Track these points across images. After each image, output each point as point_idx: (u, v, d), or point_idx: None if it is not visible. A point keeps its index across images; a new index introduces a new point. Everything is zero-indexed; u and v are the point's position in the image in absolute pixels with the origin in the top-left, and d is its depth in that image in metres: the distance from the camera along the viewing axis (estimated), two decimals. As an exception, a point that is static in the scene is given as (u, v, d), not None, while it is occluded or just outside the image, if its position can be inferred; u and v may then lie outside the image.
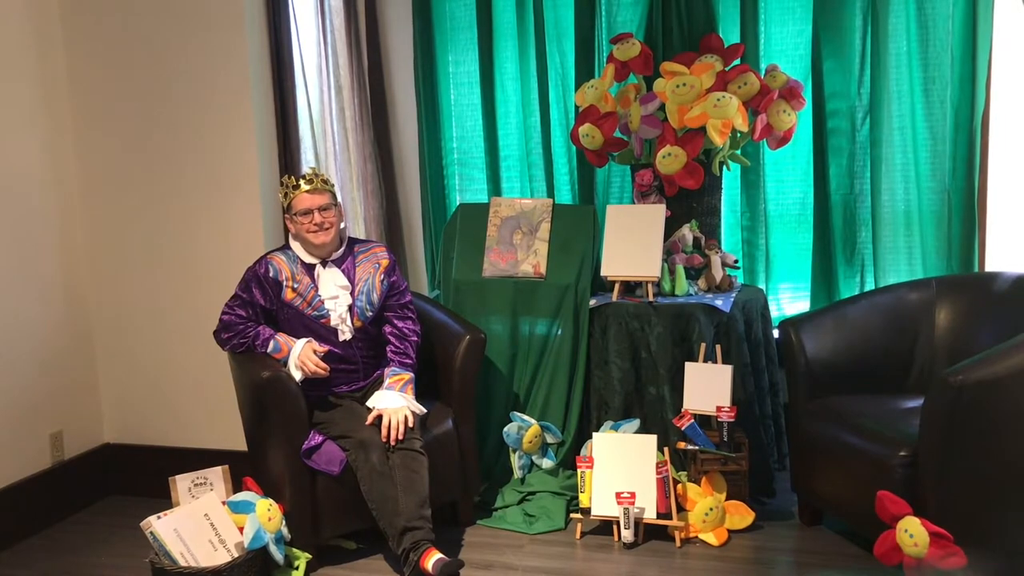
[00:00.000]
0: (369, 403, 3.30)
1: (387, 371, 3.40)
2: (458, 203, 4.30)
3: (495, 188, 4.29)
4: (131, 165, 3.86)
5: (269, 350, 3.32)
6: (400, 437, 3.18)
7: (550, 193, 4.21)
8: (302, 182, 3.36)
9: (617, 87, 3.91)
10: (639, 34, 3.99)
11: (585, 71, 4.09)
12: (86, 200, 3.92)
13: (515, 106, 4.25)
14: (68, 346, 3.88)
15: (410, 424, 3.23)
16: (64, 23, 3.82)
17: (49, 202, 3.79)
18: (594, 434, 3.54)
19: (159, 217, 3.86)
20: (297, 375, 3.25)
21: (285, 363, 3.28)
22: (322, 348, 3.32)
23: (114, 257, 3.94)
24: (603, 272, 3.77)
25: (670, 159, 3.68)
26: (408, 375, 3.38)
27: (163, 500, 3.30)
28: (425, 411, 3.35)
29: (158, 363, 3.95)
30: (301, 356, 3.28)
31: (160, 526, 3.00)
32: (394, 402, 3.27)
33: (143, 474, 3.87)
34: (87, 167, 3.91)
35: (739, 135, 3.76)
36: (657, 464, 3.39)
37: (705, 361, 3.53)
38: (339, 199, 3.38)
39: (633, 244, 3.73)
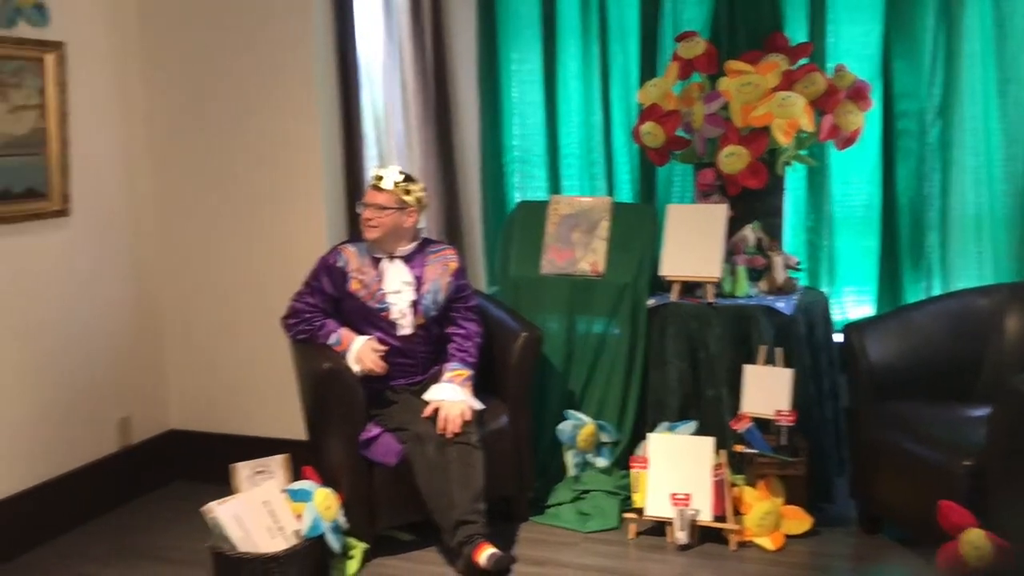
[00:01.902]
0: (426, 396, 3.34)
1: (447, 366, 3.43)
2: (518, 200, 4.31)
3: (555, 186, 4.30)
4: (200, 161, 3.96)
5: (330, 342, 3.37)
6: (456, 431, 3.21)
7: (610, 191, 4.20)
8: (373, 179, 3.43)
9: (680, 85, 3.88)
10: (704, 32, 3.95)
11: (648, 69, 4.07)
12: (157, 193, 4.03)
13: (577, 104, 4.25)
14: (138, 334, 3.99)
15: (467, 418, 3.26)
16: (141, 24, 3.92)
17: (123, 195, 3.90)
18: (649, 434, 3.53)
19: (226, 209, 3.95)
20: (356, 368, 3.31)
21: (345, 356, 3.33)
22: (382, 347, 3.37)
23: (183, 248, 4.04)
24: (662, 272, 3.75)
25: (733, 158, 3.64)
26: (468, 371, 3.41)
27: (225, 486, 3.37)
28: (483, 407, 3.37)
29: (223, 352, 4.04)
30: (361, 352, 3.33)
31: (221, 512, 3.07)
32: (452, 395, 3.30)
33: (206, 460, 3.96)
34: (159, 163, 4.01)
35: (804, 135, 3.70)
36: (713, 466, 3.36)
37: (765, 364, 3.49)
38: (411, 203, 3.42)
39: (694, 244, 3.70)
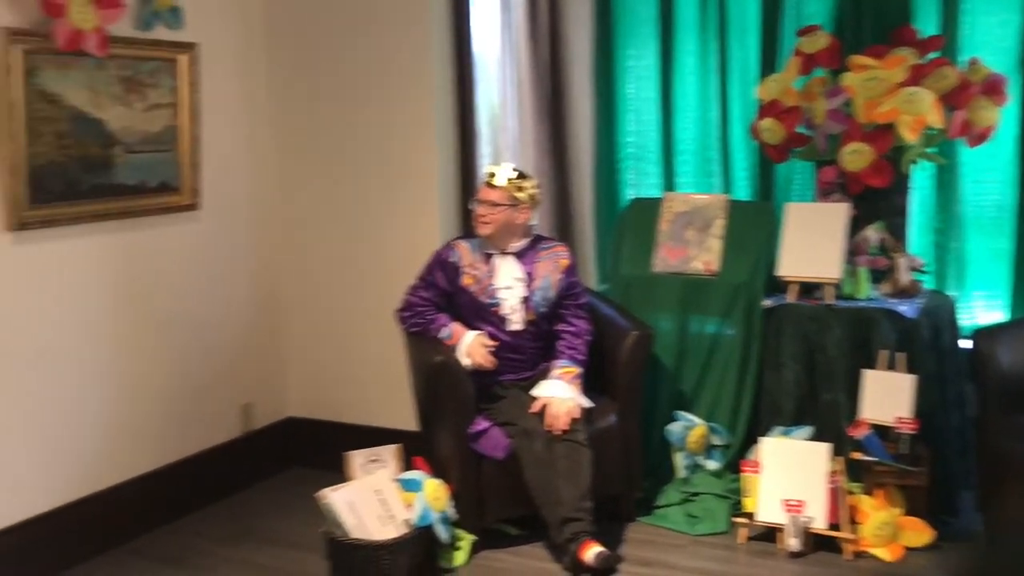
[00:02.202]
0: (535, 392, 3.35)
1: (556, 363, 3.44)
2: (630, 197, 4.28)
3: (669, 183, 4.25)
4: (320, 158, 4.08)
5: (442, 335, 3.43)
6: (564, 428, 3.21)
7: (726, 189, 4.12)
8: (487, 175, 3.48)
9: (802, 81, 3.77)
10: (827, 26, 3.83)
11: (768, 64, 3.97)
12: (280, 189, 4.17)
13: (694, 100, 4.18)
14: (261, 325, 4.15)
15: (575, 416, 3.26)
16: (267, 26, 4.07)
17: (249, 191, 4.05)
18: (762, 438, 3.45)
19: (345, 203, 4.06)
20: (465, 362, 3.35)
21: (455, 350, 3.38)
22: (492, 343, 3.40)
23: (304, 243, 4.17)
24: (779, 272, 3.66)
25: (856, 156, 3.52)
26: (577, 369, 3.41)
27: (339, 473, 3.46)
28: (591, 405, 3.37)
29: (340, 343, 4.16)
30: (471, 346, 3.37)
31: (335, 498, 3.16)
32: (561, 392, 3.30)
33: (322, 447, 4.08)
34: (282, 160, 4.15)
35: (933, 132, 3.54)
36: (829, 473, 3.27)
37: (886, 369, 3.36)
38: (524, 200, 3.44)
39: (813, 244, 3.60)
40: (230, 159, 3.94)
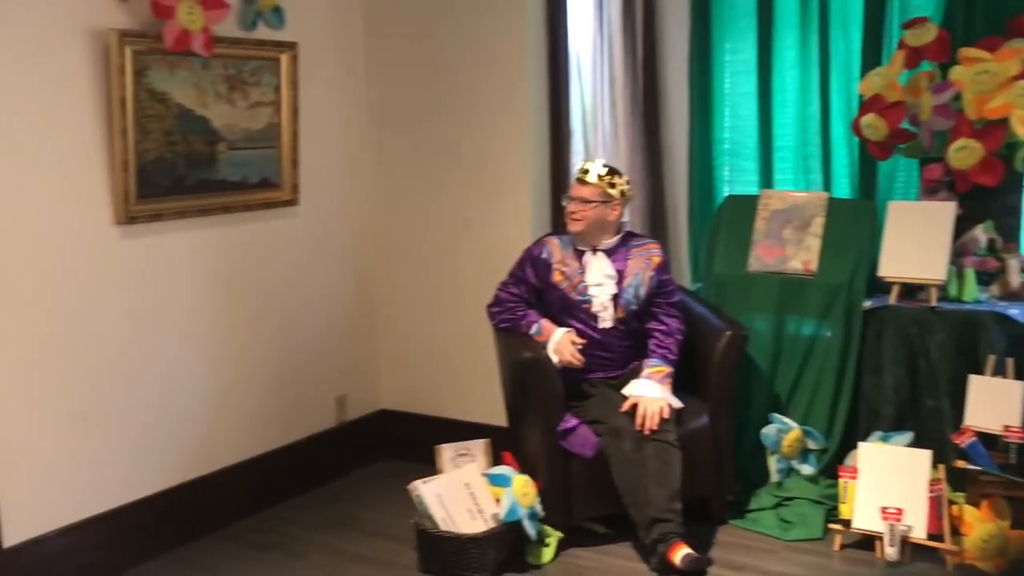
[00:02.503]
0: (625, 391, 3.33)
1: (647, 362, 3.40)
2: (726, 194, 4.21)
3: (767, 180, 4.15)
4: (414, 155, 4.13)
5: (532, 332, 3.43)
6: (654, 428, 3.18)
7: (826, 187, 4.01)
8: (579, 172, 3.47)
9: (907, 75, 3.64)
10: (936, 18, 3.69)
11: (872, 58, 3.85)
12: (375, 185, 4.24)
13: (793, 95, 4.08)
14: (355, 319, 4.23)
15: (666, 416, 3.22)
16: (366, 25, 4.14)
17: (345, 187, 4.14)
18: (861, 443, 3.35)
19: (438, 199, 4.10)
20: (554, 359, 3.34)
21: (544, 347, 3.38)
22: (580, 340, 3.39)
23: (397, 239, 4.24)
24: (881, 272, 3.55)
25: (964, 153, 3.39)
26: (668, 368, 3.37)
27: (429, 466, 3.51)
28: (682, 405, 3.32)
29: (432, 337, 4.21)
30: (559, 344, 3.37)
31: (425, 491, 3.20)
32: (651, 392, 3.27)
33: (412, 440, 4.14)
34: (377, 157, 4.22)
35: (1050, 127, 3.38)
36: (930, 481, 3.15)
37: (994, 375, 3.22)
38: (616, 196, 3.42)
39: (917, 244, 3.48)
40: (328, 156, 4.03)
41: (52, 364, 3.08)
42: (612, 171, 3.44)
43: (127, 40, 3.14)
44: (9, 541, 2.99)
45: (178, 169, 3.39)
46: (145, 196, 3.28)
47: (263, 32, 3.63)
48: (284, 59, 3.69)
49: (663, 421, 3.20)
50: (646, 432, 3.18)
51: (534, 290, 3.52)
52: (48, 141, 3.04)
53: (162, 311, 3.41)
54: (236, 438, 3.70)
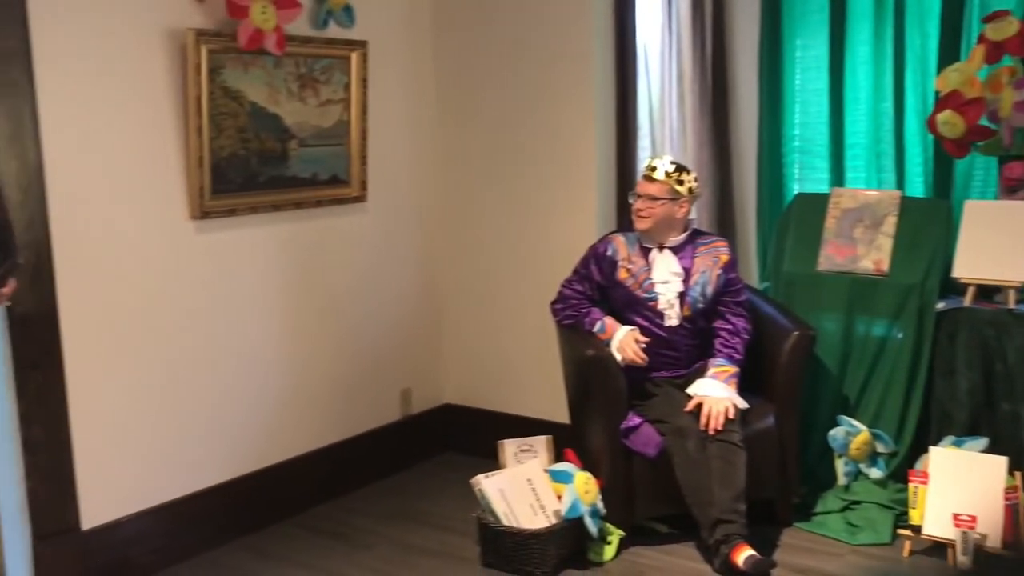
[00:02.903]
0: (690, 390, 3.30)
1: (712, 361, 3.38)
2: (795, 192, 4.14)
3: (838, 178, 4.07)
4: (481, 152, 4.16)
5: (595, 329, 3.43)
6: (719, 427, 3.15)
7: (899, 185, 3.92)
8: (646, 168, 3.45)
9: (987, 70, 3.54)
10: (1018, 11, 3.57)
11: (949, 54, 3.74)
12: (441, 183, 4.28)
13: (866, 91, 4.00)
14: (420, 314, 4.28)
15: (731, 416, 3.19)
16: (434, 23, 4.18)
17: (412, 184, 4.18)
18: (932, 448, 3.27)
19: (504, 196, 4.12)
20: (617, 357, 3.34)
21: (608, 344, 3.37)
22: (644, 339, 3.37)
23: (463, 235, 4.27)
24: (956, 273, 3.46)
25: (1046, 151, 3.28)
26: (734, 368, 3.34)
27: (492, 460, 3.54)
28: (747, 406, 3.29)
29: (496, 334, 4.23)
30: (623, 341, 3.35)
31: (488, 485, 3.23)
32: (716, 392, 3.25)
33: (475, 435, 4.17)
34: (444, 154, 4.26)
35: None
36: (1006, 489, 3.06)
37: (1074, 380, 3.12)
38: (684, 193, 3.40)
39: (994, 244, 3.39)
40: (395, 153, 4.08)
41: (130, 355, 3.19)
42: (680, 168, 3.42)
43: (203, 39, 3.22)
44: (87, 524, 3.10)
45: (251, 166, 3.47)
46: (219, 192, 3.37)
47: (334, 31, 3.69)
48: (354, 57, 3.74)
49: (728, 421, 3.18)
50: (710, 432, 3.15)
51: (599, 287, 3.51)
52: (129, 138, 3.14)
53: (235, 304, 3.50)
54: (304, 429, 3.77)
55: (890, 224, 3.67)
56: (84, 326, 3.05)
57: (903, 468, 3.44)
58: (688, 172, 3.43)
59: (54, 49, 2.91)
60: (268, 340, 3.62)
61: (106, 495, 3.14)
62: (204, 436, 3.42)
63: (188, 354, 3.36)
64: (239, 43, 3.27)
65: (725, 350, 3.39)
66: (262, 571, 3.28)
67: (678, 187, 3.38)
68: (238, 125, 3.40)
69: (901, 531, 3.24)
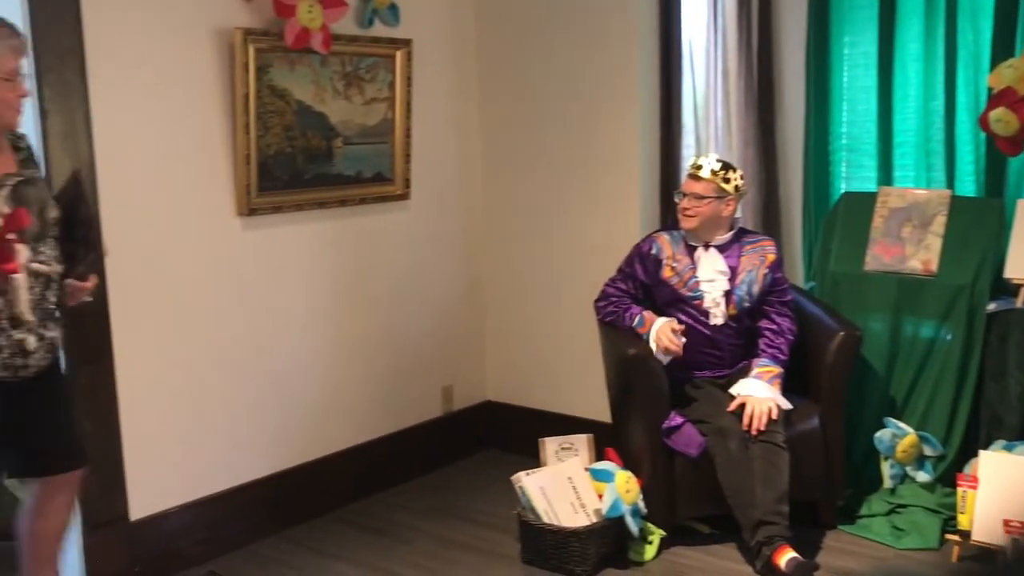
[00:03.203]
0: (733, 390, 3.28)
1: (756, 361, 3.35)
2: (842, 191, 4.09)
3: (886, 176, 4.01)
4: (524, 150, 4.16)
5: (634, 324, 3.41)
6: (762, 428, 3.13)
7: (949, 184, 3.84)
8: (692, 167, 3.43)
9: (1041, 67, 3.46)
10: (1075, 6, 3.49)
11: (1003, 50, 3.66)
12: (485, 181, 4.29)
13: (916, 89, 3.92)
14: (463, 312, 4.29)
15: (774, 416, 3.16)
16: (477, 21, 4.19)
17: (455, 182, 4.20)
18: (982, 452, 3.21)
19: (546, 197, 4.12)
20: (653, 347, 3.31)
21: (647, 338, 3.35)
22: (680, 327, 3.34)
23: (506, 234, 4.28)
24: (1007, 274, 3.40)
25: (1103, 149, 3.20)
26: (778, 368, 3.31)
27: (532, 458, 3.54)
28: (790, 407, 3.26)
29: (537, 332, 4.23)
30: (659, 331, 3.32)
31: (528, 482, 3.23)
32: (760, 392, 3.22)
33: (516, 432, 4.18)
34: (487, 152, 4.27)
35: None
36: (1057, 495, 3.00)
37: None
38: (730, 192, 3.37)
39: (1048, 244, 3.31)
40: (439, 151, 4.10)
41: (177, 349, 3.24)
42: (726, 166, 3.39)
43: (251, 38, 3.26)
44: (135, 515, 3.16)
45: (297, 163, 3.51)
46: (265, 189, 3.41)
47: (379, 29, 3.72)
48: (399, 56, 3.76)
49: (771, 422, 3.15)
50: (753, 433, 3.12)
51: (642, 286, 3.50)
52: (178, 136, 3.19)
53: (281, 300, 3.54)
54: (347, 424, 3.81)
55: (939, 223, 3.61)
56: (133, 321, 3.10)
57: (951, 472, 3.38)
58: (734, 170, 3.40)
59: (106, 49, 2.97)
60: (313, 336, 3.66)
61: (153, 487, 3.20)
62: (249, 430, 3.47)
63: (234, 349, 3.41)
64: (286, 42, 3.31)
65: (769, 350, 3.36)
66: (305, 564, 3.32)
67: (724, 185, 3.36)
68: (284, 123, 3.44)
69: (949, 536, 3.19)
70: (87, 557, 3.03)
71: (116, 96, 3.02)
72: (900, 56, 3.94)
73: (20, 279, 2.31)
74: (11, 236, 2.25)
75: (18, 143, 2.50)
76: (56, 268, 2.44)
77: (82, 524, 3.01)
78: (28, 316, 2.36)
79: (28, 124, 2.86)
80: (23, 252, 2.32)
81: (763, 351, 3.37)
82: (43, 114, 2.85)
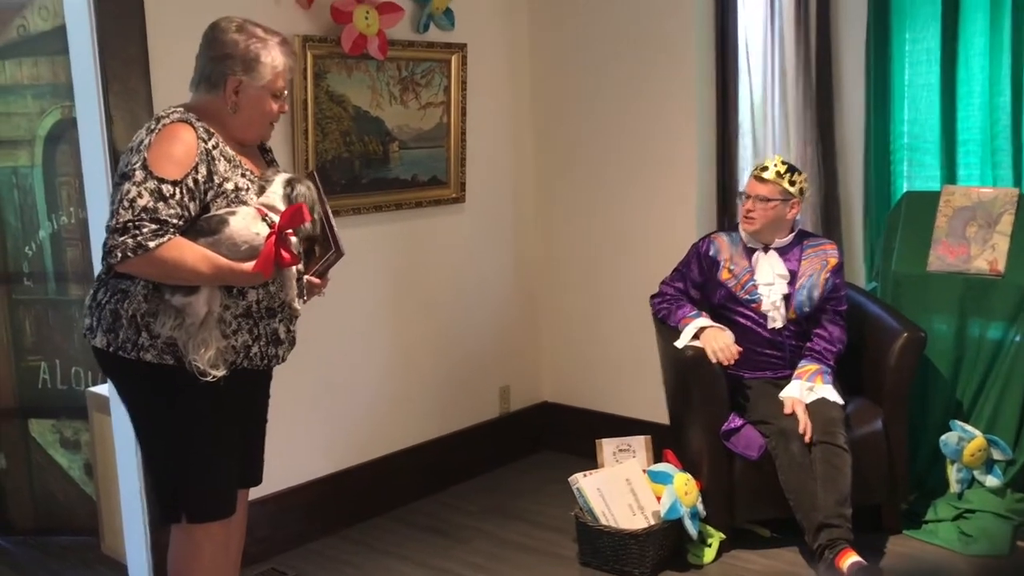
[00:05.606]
0: (782, 395, 3.24)
1: (804, 363, 3.32)
2: (904, 191, 4.01)
3: (949, 175, 3.92)
4: (579, 149, 4.16)
5: (681, 314, 3.40)
6: (821, 431, 3.08)
7: (1017, 182, 3.74)
8: (756, 169, 3.40)
9: (1113, 60, 3.36)
10: None
11: (1073, 43, 3.57)
12: (538, 183, 4.30)
13: (980, 85, 3.83)
14: (519, 313, 4.30)
15: (834, 417, 3.12)
16: (531, 25, 4.20)
17: (510, 185, 4.22)
18: (1053, 456, 3.13)
19: (602, 197, 4.11)
20: (704, 348, 3.25)
21: (695, 335, 3.30)
22: (733, 344, 3.27)
23: (561, 235, 4.28)
24: (1078, 273, 3.30)
25: None
26: (817, 366, 3.29)
27: (589, 459, 3.53)
28: (843, 403, 3.21)
29: (593, 333, 4.23)
30: (710, 338, 3.25)
31: (586, 484, 3.23)
32: (793, 391, 3.22)
33: (573, 433, 4.18)
34: (541, 155, 4.28)
35: None
36: None
37: None
38: (795, 194, 3.34)
39: (1121, 243, 3.21)
40: (493, 154, 4.11)
41: (239, 350, 3.29)
42: (791, 168, 3.36)
43: (309, 45, 3.31)
44: (200, 513, 3.22)
45: (354, 168, 3.55)
46: (324, 194, 3.44)
47: (434, 34, 3.75)
48: (454, 60, 3.79)
49: (833, 424, 3.10)
50: (806, 440, 3.09)
51: (698, 287, 3.48)
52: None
53: (339, 302, 3.57)
54: (405, 425, 3.84)
55: (1006, 223, 3.52)
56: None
57: (1022, 477, 3.30)
58: (799, 172, 3.37)
59: (170, 57, 3.03)
60: (370, 337, 3.70)
61: (217, 485, 3.25)
62: (309, 430, 3.52)
63: (295, 351, 3.44)
64: (343, 48, 3.35)
65: (815, 355, 3.32)
66: (363, 563, 3.36)
67: (789, 188, 3.32)
68: (342, 128, 3.48)
69: (1020, 543, 3.10)
70: (154, 554, 3.09)
71: (179, 104, 3.07)
72: (964, 51, 3.85)
73: (292, 271, 2.38)
74: (290, 231, 2.29)
75: (264, 146, 2.57)
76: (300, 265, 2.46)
77: (148, 523, 3.07)
78: (297, 306, 2.43)
79: (94, 130, 2.95)
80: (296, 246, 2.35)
81: (806, 354, 3.33)
82: (108, 120, 2.93)
